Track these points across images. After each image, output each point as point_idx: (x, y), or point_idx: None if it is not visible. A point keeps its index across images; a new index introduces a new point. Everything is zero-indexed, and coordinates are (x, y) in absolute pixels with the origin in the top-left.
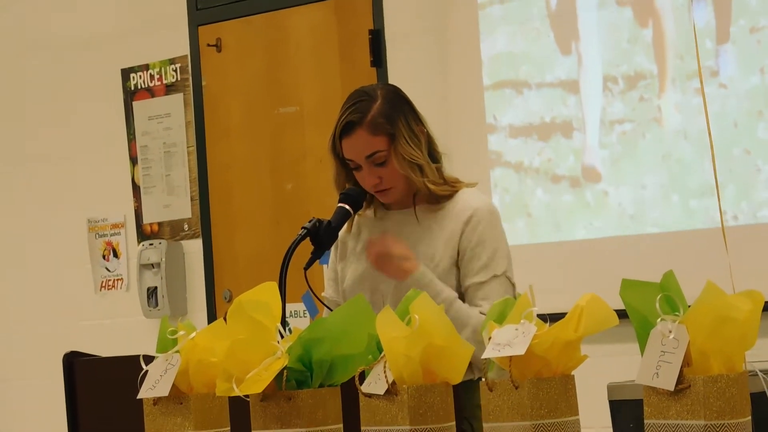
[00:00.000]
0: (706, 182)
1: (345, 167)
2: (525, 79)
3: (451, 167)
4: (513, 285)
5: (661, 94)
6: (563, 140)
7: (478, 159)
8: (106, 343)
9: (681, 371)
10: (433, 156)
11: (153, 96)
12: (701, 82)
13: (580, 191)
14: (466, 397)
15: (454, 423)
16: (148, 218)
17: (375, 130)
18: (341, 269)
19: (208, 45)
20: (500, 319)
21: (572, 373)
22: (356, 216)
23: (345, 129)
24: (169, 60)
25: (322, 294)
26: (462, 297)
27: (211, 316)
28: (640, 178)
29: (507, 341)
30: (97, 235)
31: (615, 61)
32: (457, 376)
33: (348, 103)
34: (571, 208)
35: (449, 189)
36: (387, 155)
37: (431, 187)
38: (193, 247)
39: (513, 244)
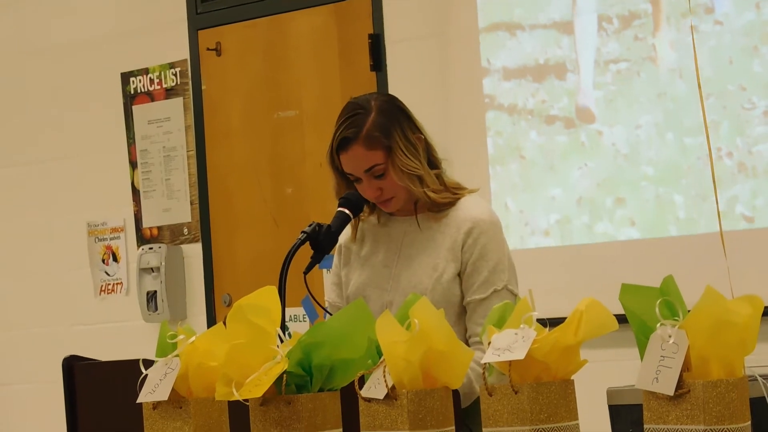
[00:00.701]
0: (700, 120)
1: (345, 179)
2: (519, 22)
3: (452, 171)
4: (516, 296)
5: (655, 32)
6: (557, 82)
7: (478, 162)
8: (105, 347)
9: (680, 376)
10: (432, 163)
11: (153, 100)
12: (695, 57)
13: (574, 132)
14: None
15: (453, 428)
16: (148, 222)
17: (371, 144)
18: (345, 275)
19: (208, 49)
20: (500, 323)
21: (572, 377)
22: (360, 222)
23: (341, 145)
24: (169, 64)
25: (325, 299)
26: (465, 310)
27: (211, 320)
28: (634, 118)
29: (506, 346)
30: (96, 239)
31: (609, 0)
32: (457, 381)
33: (342, 117)
34: (566, 149)
35: (450, 196)
36: (385, 168)
37: (431, 195)
38: (193, 251)
39: (512, 248)
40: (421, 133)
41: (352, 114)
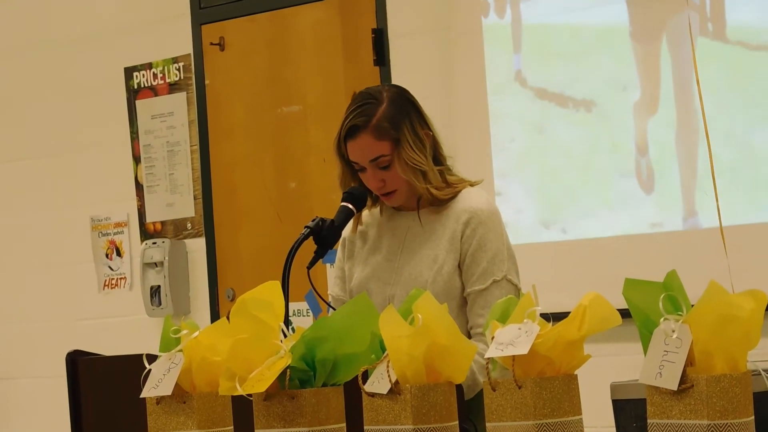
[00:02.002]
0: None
1: (350, 168)
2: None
3: (457, 169)
4: (515, 286)
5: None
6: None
7: (481, 155)
8: (109, 341)
9: (684, 371)
10: (438, 159)
11: (156, 95)
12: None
13: (577, 125)
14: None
15: (457, 422)
16: (152, 217)
17: (379, 134)
18: (348, 268)
19: (212, 44)
20: (503, 318)
21: (575, 372)
22: (363, 215)
23: (350, 132)
24: (172, 59)
25: (329, 292)
26: (466, 301)
27: (214, 315)
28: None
29: (510, 341)
30: (100, 234)
31: None
32: (461, 376)
33: (353, 105)
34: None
35: (451, 192)
36: (390, 160)
37: (434, 192)
38: (197, 246)
39: (515, 243)
40: (430, 130)
41: (363, 103)
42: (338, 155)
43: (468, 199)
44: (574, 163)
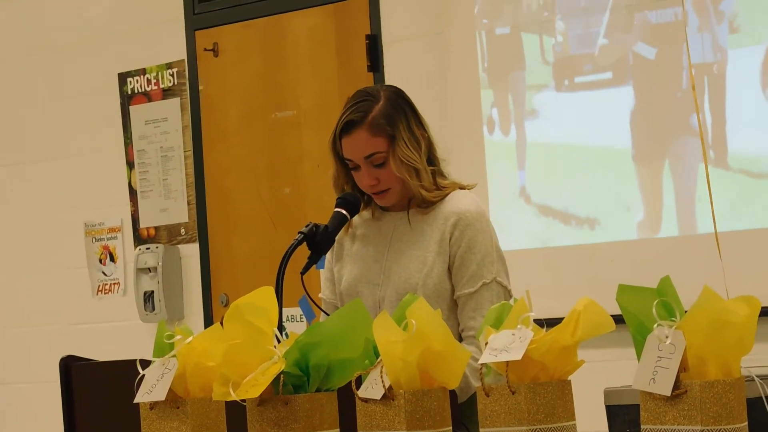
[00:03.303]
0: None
1: (344, 167)
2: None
3: (449, 172)
4: (505, 288)
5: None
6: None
7: (474, 160)
8: (102, 347)
9: (678, 376)
10: (431, 161)
11: (150, 100)
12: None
13: (569, 133)
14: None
15: (450, 428)
16: (145, 222)
17: (375, 130)
18: (337, 270)
19: (205, 49)
20: (497, 324)
21: (569, 378)
22: (353, 217)
23: (345, 128)
24: (166, 64)
25: (319, 295)
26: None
27: (208, 321)
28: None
29: (504, 346)
30: (93, 239)
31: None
32: (455, 381)
33: (350, 103)
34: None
35: (439, 195)
36: (385, 157)
37: (423, 193)
38: (190, 251)
39: (510, 249)
40: (425, 131)
41: (360, 100)
42: (333, 153)
43: (456, 202)
44: (566, 168)
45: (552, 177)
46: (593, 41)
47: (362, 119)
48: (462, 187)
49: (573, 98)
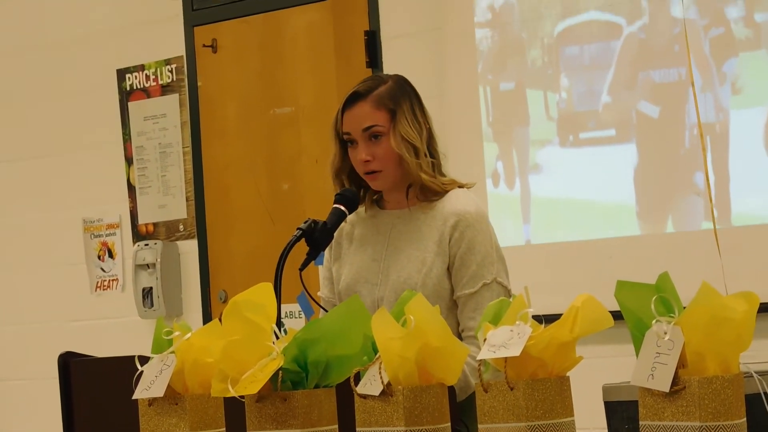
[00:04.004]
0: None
1: (343, 149)
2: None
3: (447, 168)
4: (505, 288)
5: None
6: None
7: (473, 160)
8: (101, 343)
9: (676, 372)
10: (431, 153)
11: (148, 96)
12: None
13: (568, 129)
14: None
15: (449, 424)
16: (144, 219)
17: (378, 104)
18: (336, 269)
19: (204, 45)
20: (495, 320)
21: (567, 374)
22: (348, 216)
23: (350, 100)
24: (165, 60)
25: (318, 293)
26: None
27: (207, 317)
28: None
29: (502, 342)
30: (92, 236)
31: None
32: (453, 377)
33: (359, 83)
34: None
35: (440, 186)
36: (385, 131)
37: (423, 176)
38: (189, 248)
39: (508, 245)
40: (428, 121)
41: (368, 79)
42: (334, 133)
43: (456, 202)
44: (565, 163)
45: (556, 231)
46: (597, 98)
47: (368, 92)
48: (461, 186)
49: (577, 154)
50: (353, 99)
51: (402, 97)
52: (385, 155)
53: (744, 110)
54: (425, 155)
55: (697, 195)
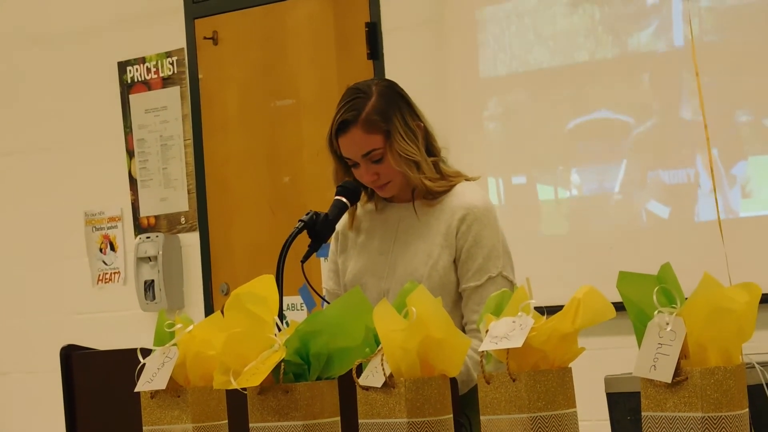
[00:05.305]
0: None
1: (343, 163)
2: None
3: (451, 160)
4: (510, 282)
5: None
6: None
7: (476, 151)
8: (103, 336)
9: (678, 363)
10: (431, 151)
11: (150, 89)
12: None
13: (572, 121)
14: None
15: (451, 416)
16: (145, 211)
17: (370, 128)
18: (342, 262)
19: (205, 38)
20: (497, 311)
21: (570, 365)
22: (357, 209)
23: (340, 128)
24: (166, 53)
25: (323, 286)
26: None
27: (209, 309)
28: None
29: (504, 334)
30: (94, 229)
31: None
32: (455, 369)
33: (342, 102)
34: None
35: (445, 184)
36: (383, 152)
37: (427, 183)
38: (190, 240)
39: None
40: (421, 121)
41: (352, 98)
42: (331, 152)
43: (463, 195)
44: (569, 155)
45: (558, 222)
46: (608, 197)
47: (356, 118)
48: (467, 179)
49: (578, 150)
50: (343, 127)
51: (390, 110)
52: (389, 171)
53: (754, 214)
54: (426, 161)
55: (700, 186)
